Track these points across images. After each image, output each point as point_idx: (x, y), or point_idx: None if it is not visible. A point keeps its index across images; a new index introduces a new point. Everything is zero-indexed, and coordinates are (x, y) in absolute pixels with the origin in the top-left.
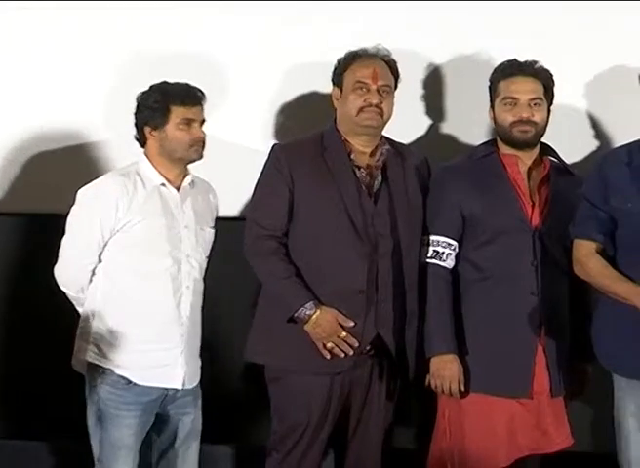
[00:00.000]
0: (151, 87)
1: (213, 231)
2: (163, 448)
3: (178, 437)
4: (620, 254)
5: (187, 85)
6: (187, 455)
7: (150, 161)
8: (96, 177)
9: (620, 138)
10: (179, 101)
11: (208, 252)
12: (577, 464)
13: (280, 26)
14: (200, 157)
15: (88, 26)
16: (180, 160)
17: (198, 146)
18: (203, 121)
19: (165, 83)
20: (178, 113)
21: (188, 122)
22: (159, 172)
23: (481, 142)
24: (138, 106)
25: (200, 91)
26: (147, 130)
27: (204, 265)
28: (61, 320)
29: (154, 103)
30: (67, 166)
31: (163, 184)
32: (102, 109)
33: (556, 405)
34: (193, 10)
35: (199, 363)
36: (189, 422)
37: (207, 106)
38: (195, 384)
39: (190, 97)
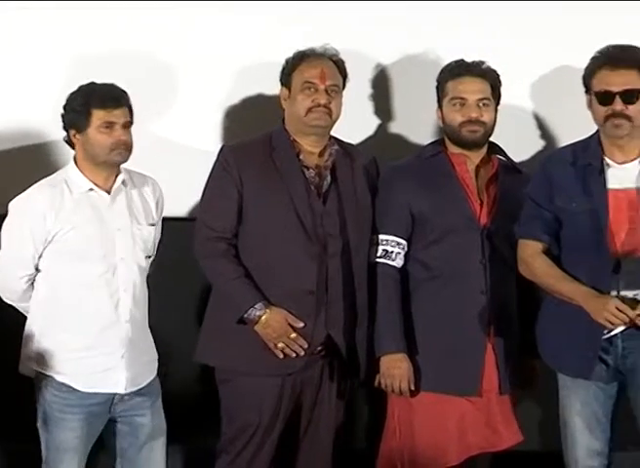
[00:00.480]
0: (78, 88)
1: (153, 228)
2: (124, 451)
3: (137, 438)
4: (565, 254)
5: (111, 86)
6: (151, 457)
7: (78, 166)
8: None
9: (566, 138)
10: (99, 104)
11: (151, 250)
12: (525, 462)
13: (229, 27)
14: (124, 160)
15: (38, 27)
16: (105, 163)
17: (121, 149)
18: (128, 123)
19: (90, 84)
20: (98, 116)
21: (109, 125)
22: (87, 177)
23: (429, 142)
24: (64, 108)
25: (123, 92)
26: (72, 133)
27: (144, 264)
28: (11, 323)
29: (77, 106)
30: (20, 165)
31: (91, 189)
32: (52, 110)
33: (505, 402)
34: (143, 10)
35: (149, 364)
36: (147, 423)
37: (157, 107)
38: (143, 385)
39: (112, 99)
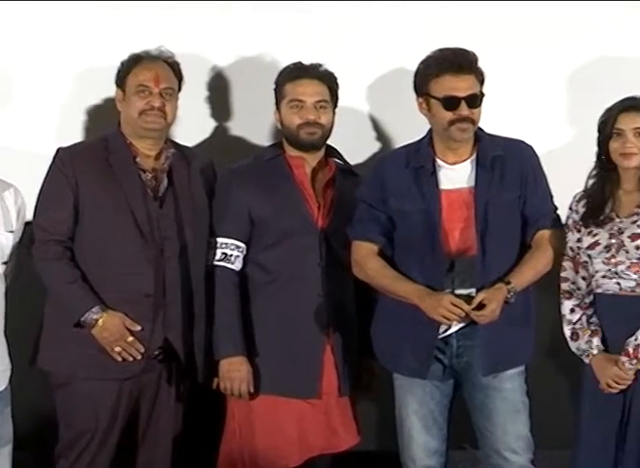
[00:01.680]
0: None
1: (11, 235)
2: None
3: None
4: (400, 255)
5: None
6: None
7: None
8: None
9: (402, 140)
10: None
11: (6, 256)
12: (364, 462)
13: (65, 30)
14: None
15: None
16: None
17: None
18: None
19: None
20: None
21: None
22: None
23: (268, 145)
24: None
25: None
26: None
27: (2, 271)
28: None
29: None
30: None
31: None
32: None
33: (344, 404)
34: None
35: (2, 373)
36: None
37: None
38: None
39: None
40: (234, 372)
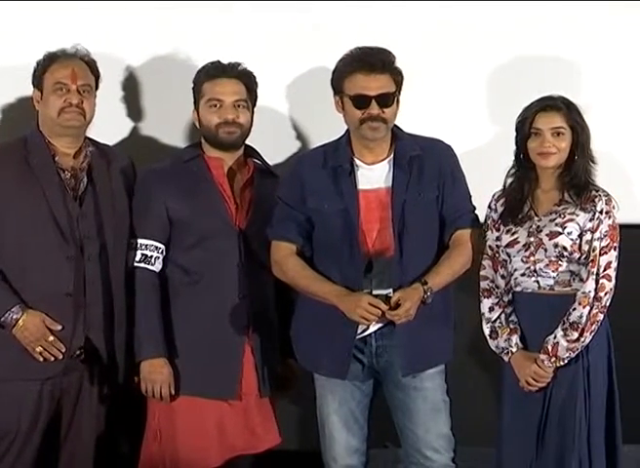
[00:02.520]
0: None
1: None
2: None
3: None
4: (318, 255)
5: None
6: None
7: None
8: None
9: (322, 140)
10: None
11: None
12: (286, 462)
13: None
14: None
15: None
16: None
17: None
18: None
19: None
20: None
21: None
22: None
23: (187, 145)
24: None
25: None
26: None
27: None
28: None
29: None
30: None
31: None
32: None
33: (264, 405)
34: None
35: None
36: None
37: None
38: None
39: None
40: (155, 374)
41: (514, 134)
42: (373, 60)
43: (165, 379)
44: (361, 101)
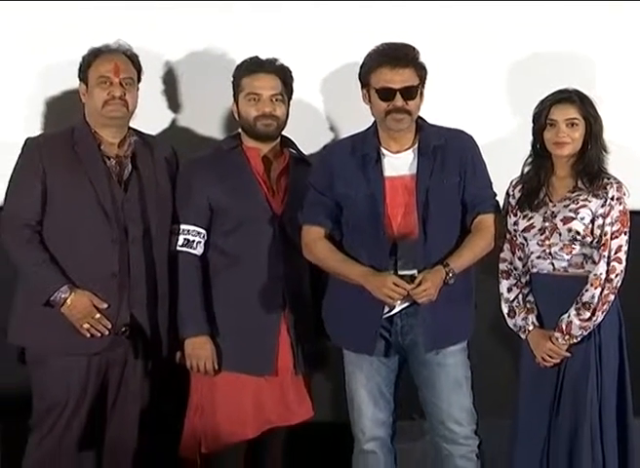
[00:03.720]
0: None
1: None
2: None
3: None
4: (347, 238)
5: None
6: None
7: None
8: None
9: (352, 130)
10: None
11: None
12: (318, 433)
13: (29, 28)
14: None
15: None
16: None
17: None
18: None
19: None
20: None
21: None
22: None
23: (226, 136)
24: None
25: None
26: None
27: None
28: None
29: None
30: None
31: None
32: None
33: (299, 380)
34: None
35: None
36: None
37: None
38: None
39: None
40: (199, 351)
41: (530, 126)
42: (397, 55)
43: (208, 356)
44: (386, 94)
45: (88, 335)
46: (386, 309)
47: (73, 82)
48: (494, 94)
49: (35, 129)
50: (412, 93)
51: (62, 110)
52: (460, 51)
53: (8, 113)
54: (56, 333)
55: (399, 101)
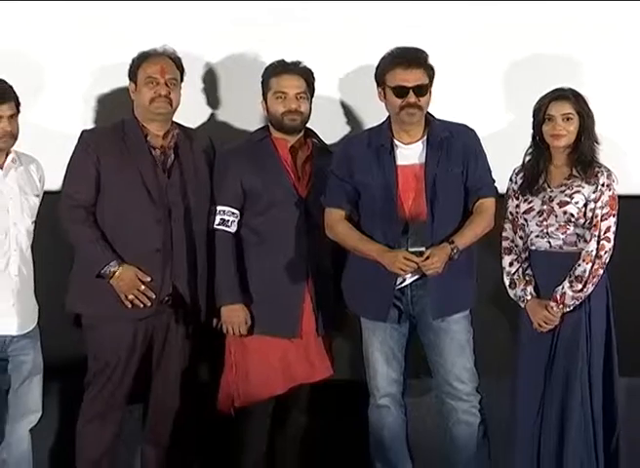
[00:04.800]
0: None
1: (37, 199)
2: (10, 383)
3: (21, 373)
4: (364, 219)
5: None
6: (31, 387)
7: None
8: None
9: (367, 124)
10: None
11: (34, 215)
12: (339, 390)
13: (90, 31)
14: (9, 146)
15: None
16: None
17: (6, 138)
18: (14, 114)
19: None
20: None
21: None
22: None
23: (257, 128)
24: None
25: (10, 88)
26: None
27: (31, 228)
28: None
29: None
30: None
31: None
32: None
33: (321, 342)
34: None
35: (33, 313)
36: (30, 361)
37: (28, 101)
38: (30, 329)
39: None
40: (234, 317)
41: (526, 120)
42: (410, 57)
43: (241, 321)
44: (401, 92)
45: (130, 306)
46: (399, 281)
47: (123, 81)
48: (493, 93)
49: (89, 122)
50: (423, 90)
51: (113, 106)
52: (466, 54)
53: (66, 109)
54: (106, 302)
55: (412, 98)
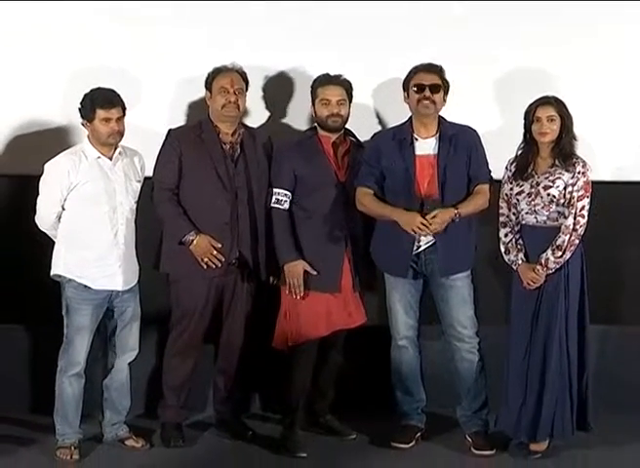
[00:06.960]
0: (87, 92)
1: (139, 184)
2: (114, 327)
3: (123, 321)
4: (388, 197)
5: (110, 91)
6: (131, 331)
7: (90, 142)
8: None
9: (391, 125)
10: (100, 105)
11: (137, 197)
12: (369, 333)
13: (184, 48)
14: (117, 142)
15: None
16: (105, 144)
17: (115, 135)
18: (121, 117)
19: (96, 90)
20: (100, 114)
21: (107, 120)
22: (96, 149)
23: (307, 128)
24: (80, 104)
25: (117, 95)
26: (84, 122)
27: (134, 207)
28: (44, 243)
29: (86, 106)
30: (49, 141)
31: (99, 157)
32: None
33: (356, 296)
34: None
35: (135, 273)
36: (131, 310)
37: (137, 106)
38: (132, 285)
39: (109, 101)
40: (294, 269)
41: (518, 121)
42: (430, 66)
43: (300, 273)
44: (419, 88)
45: (205, 267)
46: (415, 246)
47: (199, 91)
48: (492, 101)
49: (174, 122)
50: (437, 88)
51: (192, 110)
52: (471, 69)
53: (155, 112)
54: (187, 264)
55: (428, 92)
